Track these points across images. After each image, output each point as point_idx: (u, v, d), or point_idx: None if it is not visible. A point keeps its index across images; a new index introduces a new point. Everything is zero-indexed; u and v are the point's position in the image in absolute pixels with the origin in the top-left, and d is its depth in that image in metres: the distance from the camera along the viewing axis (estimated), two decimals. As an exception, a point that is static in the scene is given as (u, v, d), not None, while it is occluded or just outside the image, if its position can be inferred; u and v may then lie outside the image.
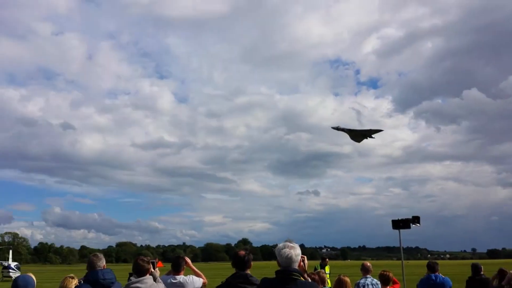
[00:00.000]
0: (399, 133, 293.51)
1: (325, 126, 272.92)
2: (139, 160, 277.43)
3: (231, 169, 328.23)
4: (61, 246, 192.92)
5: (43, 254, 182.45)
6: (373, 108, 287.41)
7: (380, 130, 28.80)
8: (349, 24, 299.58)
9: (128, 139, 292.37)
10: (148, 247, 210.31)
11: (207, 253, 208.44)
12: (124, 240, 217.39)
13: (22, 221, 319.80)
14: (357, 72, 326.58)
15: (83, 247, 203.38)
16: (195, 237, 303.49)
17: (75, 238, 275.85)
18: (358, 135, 30.22)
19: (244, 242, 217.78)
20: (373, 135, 29.64)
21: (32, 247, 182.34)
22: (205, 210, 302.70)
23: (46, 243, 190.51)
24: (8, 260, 63.30)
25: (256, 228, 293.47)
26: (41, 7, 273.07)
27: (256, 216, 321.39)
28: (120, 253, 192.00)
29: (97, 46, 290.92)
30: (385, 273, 9.18)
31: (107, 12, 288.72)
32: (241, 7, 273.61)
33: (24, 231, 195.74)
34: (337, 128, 29.65)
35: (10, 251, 70.11)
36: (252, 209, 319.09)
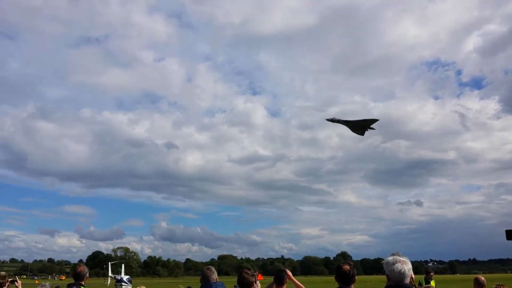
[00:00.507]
0: (509, 135, 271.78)
1: (426, 132, 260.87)
2: (236, 175, 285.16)
3: (326, 181, 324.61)
4: (168, 259, 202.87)
5: (152, 267, 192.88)
6: (478, 110, 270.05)
7: (376, 120, 27.47)
8: (446, 23, 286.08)
9: (225, 155, 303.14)
10: (247, 259, 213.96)
11: (306, 266, 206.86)
12: (225, 253, 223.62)
13: (132, 236, 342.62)
14: (459, 72, 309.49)
15: (188, 260, 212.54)
16: (293, 250, 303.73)
17: (180, 251, 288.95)
18: (356, 127, 28.89)
19: (343, 255, 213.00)
20: (372, 126, 28.34)
21: (142, 260, 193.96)
22: (302, 223, 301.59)
23: (154, 257, 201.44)
24: (120, 273, 67.54)
25: (355, 241, 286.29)
26: (143, 36, 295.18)
27: (354, 229, 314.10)
28: (222, 265, 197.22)
29: (195, 69, 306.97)
30: (500, 287, 8.43)
31: (203, 36, 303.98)
32: (330, 18, 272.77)
33: (135, 246, 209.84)
34: (332, 120, 28.45)
35: (123, 265, 74.67)
36: (350, 221, 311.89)
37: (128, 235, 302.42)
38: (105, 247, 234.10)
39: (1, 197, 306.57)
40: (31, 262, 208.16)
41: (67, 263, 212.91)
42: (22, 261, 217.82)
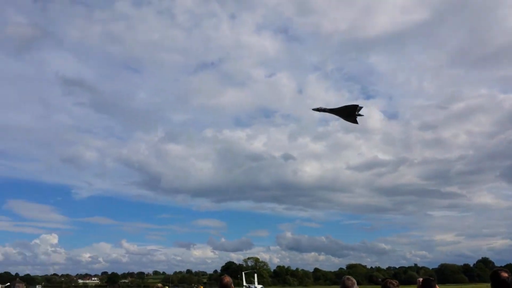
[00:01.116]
0: None
1: None
2: (356, 182, 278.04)
3: (457, 182, 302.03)
4: (297, 269, 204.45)
5: (282, 276, 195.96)
6: None
7: (357, 106, 27.20)
8: None
9: (343, 162, 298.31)
10: (378, 268, 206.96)
11: (443, 274, 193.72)
12: (353, 261, 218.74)
13: (260, 246, 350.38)
14: None
15: (316, 270, 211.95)
16: (427, 258, 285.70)
17: (307, 261, 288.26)
18: (343, 114, 28.31)
19: (485, 261, 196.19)
20: (360, 112, 27.51)
21: (272, 270, 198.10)
22: (434, 229, 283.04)
23: (283, 266, 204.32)
24: (254, 283, 69.78)
25: (496, 245, 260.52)
26: (254, 55, 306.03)
27: (494, 232, 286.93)
28: (352, 275, 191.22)
29: (305, 80, 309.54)
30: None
31: (310, 47, 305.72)
32: (443, 10, 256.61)
33: (263, 255, 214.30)
34: (319, 109, 27.99)
35: (255, 275, 77.13)
36: (489, 224, 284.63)
37: (256, 245, 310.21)
38: (236, 258, 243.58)
39: (142, 215, 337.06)
40: (171, 273, 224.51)
41: (203, 273, 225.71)
42: (164, 273, 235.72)
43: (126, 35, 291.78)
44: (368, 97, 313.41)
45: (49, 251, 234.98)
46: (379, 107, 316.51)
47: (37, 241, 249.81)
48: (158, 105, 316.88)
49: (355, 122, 28.76)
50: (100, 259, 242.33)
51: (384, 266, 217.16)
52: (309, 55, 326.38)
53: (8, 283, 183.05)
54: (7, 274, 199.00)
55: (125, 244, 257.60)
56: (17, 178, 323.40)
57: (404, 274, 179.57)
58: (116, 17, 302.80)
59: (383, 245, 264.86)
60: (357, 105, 28.66)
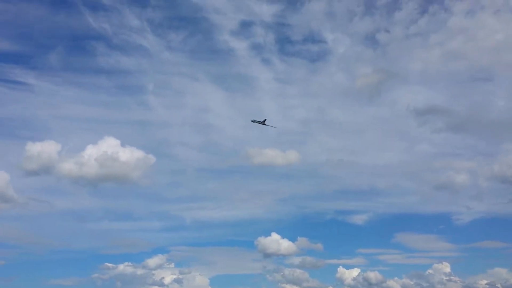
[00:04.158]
0: None
1: None
2: None
3: None
4: None
5: None
6: None
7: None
8: None
9: None
10: None
11: None
12: None
13: None
14: None
15: None
16: None
17: None
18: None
19: None
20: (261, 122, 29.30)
21: None
22: None
23: None
24: None
25: None
26: None
27: None
28: None
29: None
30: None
31: None
32: None
33: None
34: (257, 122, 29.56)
35: None
36: None
37: None
38: None
39: None
40: None
41: None
42: None
43: (467, 47, 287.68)
44: None
45: (444, 280, 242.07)
46: None
47: (430, 271, 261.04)
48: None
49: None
50: (498, 285, 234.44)
51: None
52: None
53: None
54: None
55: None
56: (398, 212, 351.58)
57: None
58: (452, 34, 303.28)
59: None
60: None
